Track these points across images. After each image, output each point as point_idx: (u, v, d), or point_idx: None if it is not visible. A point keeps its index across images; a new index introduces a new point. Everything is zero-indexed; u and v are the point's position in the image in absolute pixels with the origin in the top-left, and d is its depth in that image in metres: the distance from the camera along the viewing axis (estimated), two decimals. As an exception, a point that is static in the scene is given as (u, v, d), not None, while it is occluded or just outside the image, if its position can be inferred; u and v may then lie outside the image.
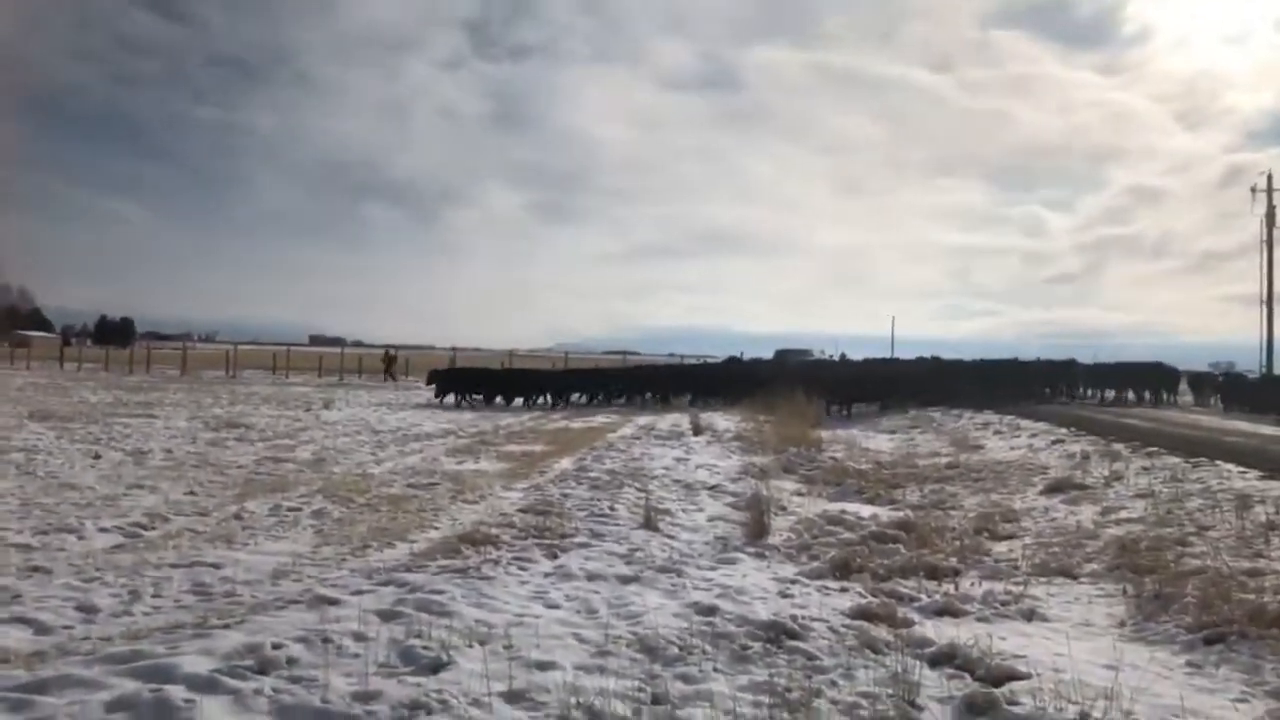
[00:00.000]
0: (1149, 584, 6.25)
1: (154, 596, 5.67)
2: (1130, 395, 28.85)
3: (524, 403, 27.69)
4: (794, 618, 5.18)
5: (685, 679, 4.22)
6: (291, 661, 4.17)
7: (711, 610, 5.32)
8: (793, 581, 6.40)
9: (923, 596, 6.12)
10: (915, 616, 5.55)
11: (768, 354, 45.56)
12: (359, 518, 8.56)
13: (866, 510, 9.78)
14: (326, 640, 4.43)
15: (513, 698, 3.87)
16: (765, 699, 3.98)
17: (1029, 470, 12.46)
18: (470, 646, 4.47)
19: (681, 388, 28.99)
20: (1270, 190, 39.89)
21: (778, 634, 4.92)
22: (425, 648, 4.38)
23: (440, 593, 5.46)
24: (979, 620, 5.62)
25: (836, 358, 43.34)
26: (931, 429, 20.37)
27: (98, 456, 12.44)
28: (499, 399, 27.77)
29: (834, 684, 4.23)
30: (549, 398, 28.17)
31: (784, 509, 9.53)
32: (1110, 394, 29.08)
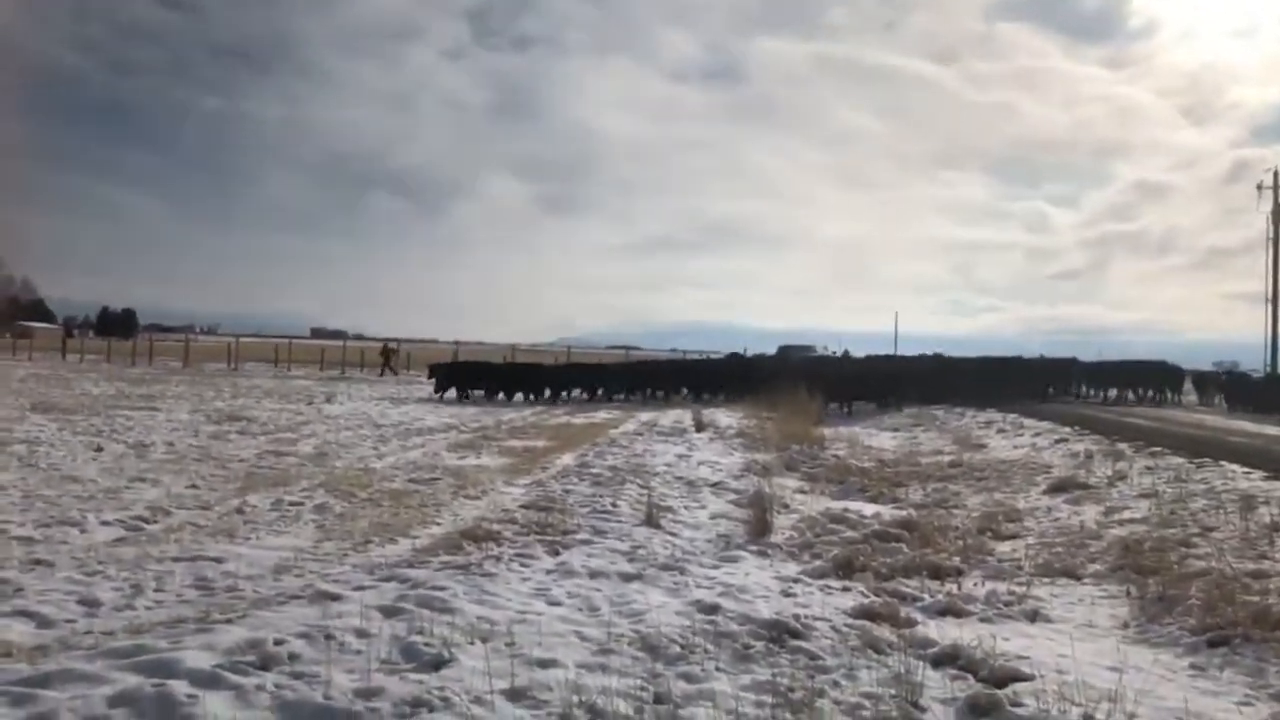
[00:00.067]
0: (1153, 585, 6.24)
1: (156, 590, 5.67)
2: (1134, 394, 28.78)
3: (526, 398, 27.69)
4: (796, 617, 5.17)
5: (688, 678, 4.21)
6: (293, 657, 4.17)
7: (714, 609, 5.31)
8: (795, 580, 6.39)
9: (926, 596, 6.11)
10: (918, 616, 5.53)
11: (771, 350, 45.57)
12: (361, 512, 8.56)
13: (869, 509, 9.76)
14: (328, 636, 4.43)
15: (515, 695, 3.86)
16: (768, 699, 3.97)
17: (1032, 469, 12.45)
18: (472, 643, 4.47)
19: (684, 384, 29.00)
20: (1277, 186, 39.77)
21: (780, 633, 4.91)
22: (427, 644, 4.37)
23: (442, 589, 5.45)
24: (982, 621, 5.61)
25: (839, 354, 43.30)
26: (934, 427, 20.34)
27: (100, 449, 12.45)
28: (501, 394, 27.77)
29: (837, 684, 4.22)
30: (551, 393, 28.17)
31: (786, 507, 9.52)
32: (1113, 393, 29.01)
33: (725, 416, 20.57)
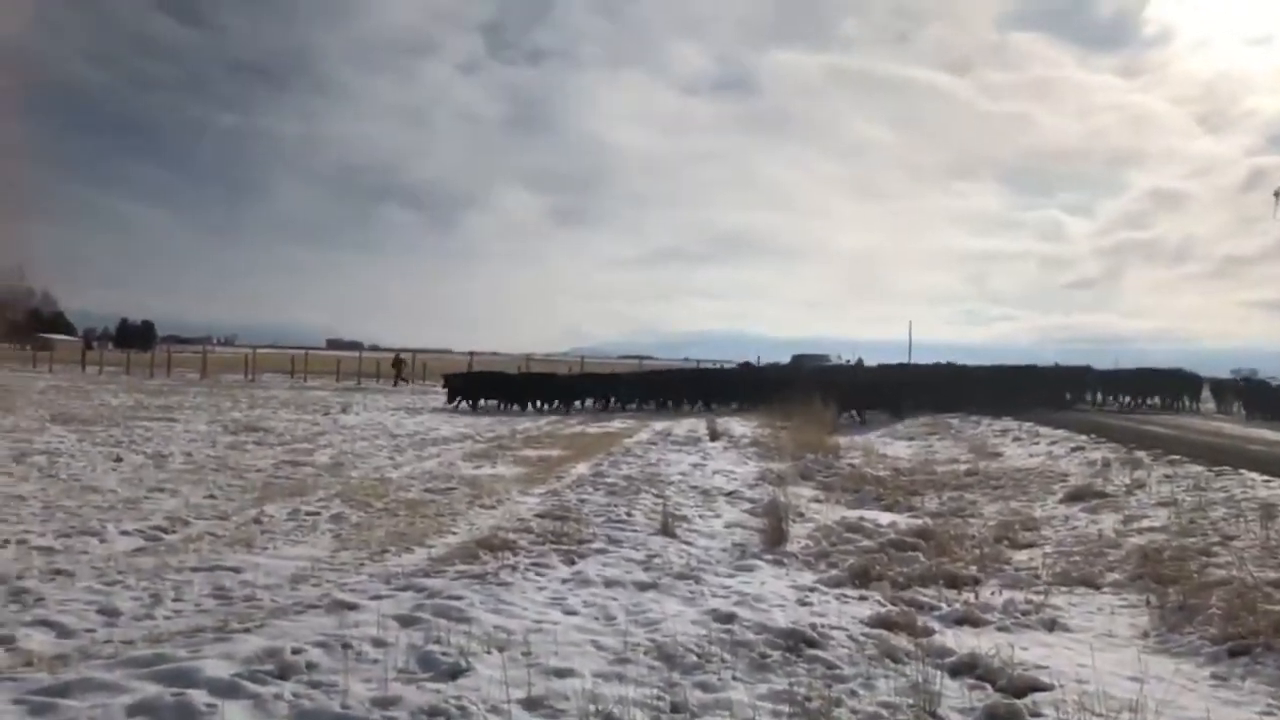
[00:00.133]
0: (1172, 594, 6.19)
1: (175, 600, 5.70)
2: (1152, 401, 28.54)
3: (540, 407, 27.72)
4: (813, 626, 5.16)
5: (704, 687, 4.20)
6: (311, 666, 4.18)
7: (730, 618, 5.30)
8: (811, 589, 6.37)
9: (943, 605, 6.08)
10: (935, 625, 5.50)
11: (784, 359, 45.52)
12: (377, 522, 8.59)
13: (885, 517, 9.72)
14: (346, 645, 4.45)
15: (531, 705, 3.87)
16: (785, 708, 3.96)
17: (1049, 478, 12.35)
18: (489, 653, 4.47)
19: (697, 393, 28.97)
20: (1293, 194, 39.40)
21: (797, 642, 4.89)
22: (444, 654, 4.38)
23: (459, 598, 5.46)
24: (1000, 630, 5.58)
25: (853, 363, 43.16)
26: (949, 435, 20.23)
27: (119, 459, 12.54)
28: (515, 404, 27.82)
29: (854, 693, 4.20)
30: (565, 402, 28.19)
31: (802, 516, 9.49)
32: (1128, 400, 28.78)
33: (739, 425, 20.54)
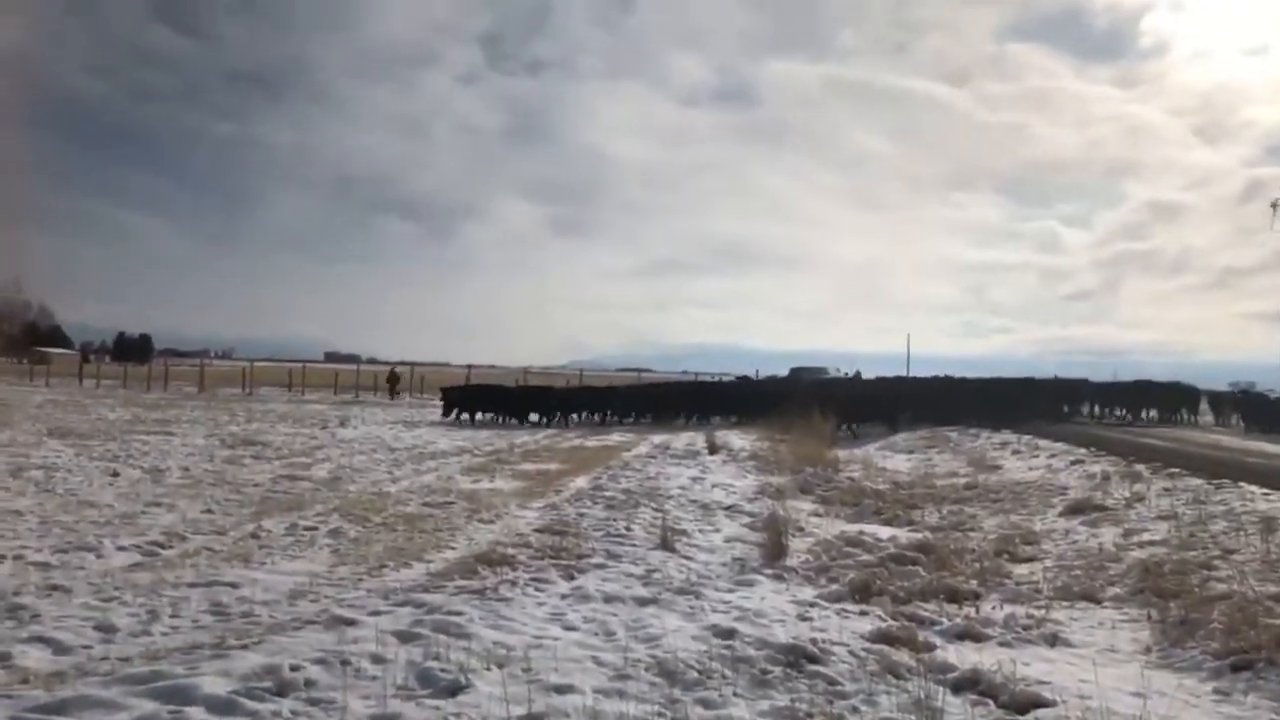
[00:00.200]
0: (1174, 609, 6.18)
1: (172, 616, 5.67)
2: (1151, 414, 28.55)
3: (538, 420, 27.69)
4: (814, 641, 5.13)
5: (705, 704, 4.18)
6: (310, 683, 4.16)
7: (730, 633, 5.28)
8: (812, 604, 6.34)
9: (943, 620, 6.06)
10: (936, 640, 5.48)
11: (782, 371, 45.54)
12: (375, 537, 8.56)
13: (885, 531, 9.70)
14: (344, 662, 4.42)
15: (532, 722, 3.84)
16: (787, 725, 3.94)
17: (1048, 491, 12.34)
18: (488, 669, 4.45)
19: (696, 406, 28.96)
20: (1292, 205, 39.51)
21: (798, 658, 4.87)
22: (443, 670, 4.36)
23: (458, 614, 5.43)
24: (1001, 645, 5.56)
25: (851, 376, 43.19)
26: (949, 448, 20.22)
27: (116, 474, 12.50)
28: (513, 417, 27.78)
29: (856, 710, 4.18)
30: (563, 415, 28.17)
31: (801, 530, 9.47)
32: (1127, 414, 28.79)
33: (738, 439, 20.52)
